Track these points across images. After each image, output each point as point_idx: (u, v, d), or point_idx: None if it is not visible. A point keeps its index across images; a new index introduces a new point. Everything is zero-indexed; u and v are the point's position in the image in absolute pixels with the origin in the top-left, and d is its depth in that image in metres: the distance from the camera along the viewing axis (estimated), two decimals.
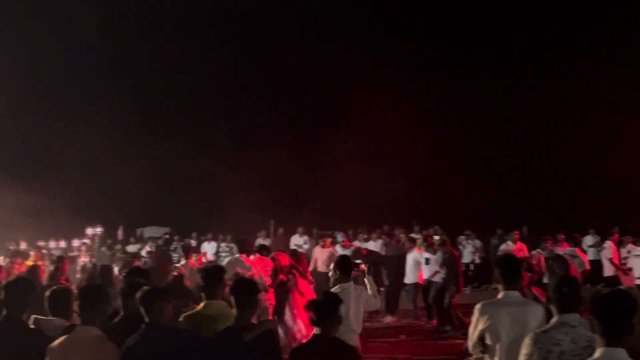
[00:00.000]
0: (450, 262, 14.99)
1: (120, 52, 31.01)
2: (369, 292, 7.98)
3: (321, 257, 17.26)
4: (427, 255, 15.79)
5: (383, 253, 18.32)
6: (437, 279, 15.08)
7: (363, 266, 8.60)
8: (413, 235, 21.53)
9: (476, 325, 5.80)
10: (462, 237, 22.56)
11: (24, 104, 28.91)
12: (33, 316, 6.14)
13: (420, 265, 15.95)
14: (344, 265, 7.75)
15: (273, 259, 12.94)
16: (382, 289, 17.76)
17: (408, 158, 27.72)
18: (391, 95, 26.22)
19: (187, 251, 12.74)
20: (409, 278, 16.24)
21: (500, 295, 5.83)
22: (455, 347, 12.85)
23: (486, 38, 28.92)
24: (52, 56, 29.26)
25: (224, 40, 30.85)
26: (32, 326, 6.00)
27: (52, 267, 10.29)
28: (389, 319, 16.48)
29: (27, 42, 28.27)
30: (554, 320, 4.97)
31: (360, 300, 7.61)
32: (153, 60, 31.25)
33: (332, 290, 7.42)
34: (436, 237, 18.44)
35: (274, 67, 31.06)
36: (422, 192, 27.44)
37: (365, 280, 8.23)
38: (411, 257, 16.24)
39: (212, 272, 6.56)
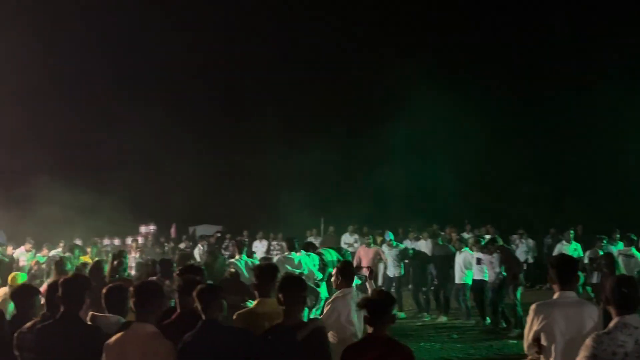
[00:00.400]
0: (507, 259, 14.86)
1: (172, 51, 31.31)
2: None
3: (366, 257, 17.27)
4: (478, 255, 15.65)
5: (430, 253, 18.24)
6: (493, 278, 14.95)
7: (365, 269, 8.58)
8: (465, 234, 21.45)
9: (531, 325, 5.73)
10: (515, 236, 22.30)
11: (78, 103, 29.38)
12: (90, 312, 6.23)
13: (470, 265, 15.84)
14: (346, 271, 7.75)
15: (320, 254, 13.13)
16: (432, 288, 17.80)
17: (461, 156, 27.50)
18: (444, 92, 26.05)
19: (241, 247, 12.82)
20: (459, 278, 16.15)
21: (555, 296, 5.76)
22: (509, 347, 12.76)
23: (544, 37, 28.56)
24: (103, 54, 29.74)
25: (273, 39, 30.95)
26: (89, 322, 6.09)
27: (115, 263, 10.36)
28: (442, 319, 16.47)
29: (79, 41, 28.73)
30: (615, 321, 4.86)
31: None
32: (203, 58, 31.50)
33: (335, 294, 7.43)
34: (487, 236, 18.35)
35: (324, 64, 31.10)
36: (475, 190, 27.22)
37: (367, 284, 8.23)
38: (461, 257, 16.14)
39: (265, 270, 6.58)
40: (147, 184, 28.86)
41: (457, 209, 25.07)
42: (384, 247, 18.46)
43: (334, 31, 30.51)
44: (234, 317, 6.31)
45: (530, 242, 22.37)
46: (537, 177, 27.30)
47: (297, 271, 11.98)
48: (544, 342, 5.63)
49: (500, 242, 15.99)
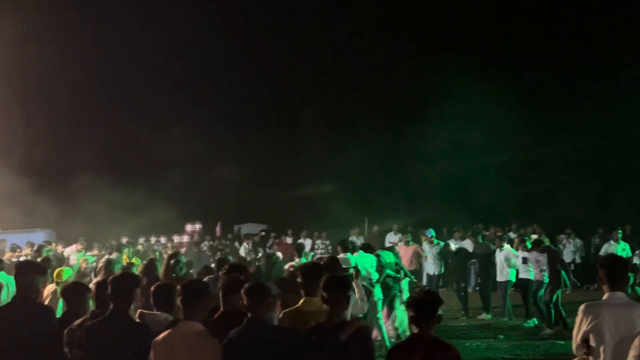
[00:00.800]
0: (554, 260, 14.77)
1: (217, 52, 31.54)
2: (357, 295, 7.89)
3: (405, 255, 17.28)
4: (524, 254, 15.58)
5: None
6: (540, 277, 14.89)
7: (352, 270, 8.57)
8: (511, 233, 21.29)
9: (580, 326, 5.67)
10: (562, 236, 22.06)
11: (125, 103, 29.73)
12: (139, 310, 6.31)
13: (510, 262, 15.81)
14: (330, 268, 7.71)
15: (378, 255, 13.21)
16: (477, 288, 17.74)
17: (507, 154, 27.25)
18: (488, 88, 25.82)
19: (300, 249, 12.85)
20: (500, 276, 16.13)
21: (605, 297, 5.69)
22: (556, 348, 12.62)
23: (591, 31, 28.12)
24: (152, 55, 30.07)
25: (315, 39, 30.95)
26: (137, 320, 6.17)
27: (172, 262, 10.43)
28: (484, 316, 16.45)
29: (128, 41, 29.06)
30: None
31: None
32: (247, 59, 31.68)
33: None
34: (534, 236, 18.24)
35: (365, 63, 31.06)
36: (522, 189, 26.93)
37: (354, 283, 8.19)
38: (502, 255, 16.12)
39: (311, 269, 6.60)
40: (194, 183, 29.13)
41: (503, 208, 24.87)
42: (425, 245, 18.49)
43: (375, 29, 30.48)
44: (281, 315, 6.34)
45: (578, 242, 22.14)
46: (585, 176, 26.92)
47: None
48: (592, 343, 5.56)
49: (547, 242, 15.90)
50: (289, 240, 25.35)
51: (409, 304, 5.32)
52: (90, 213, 24.01)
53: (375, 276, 12.79)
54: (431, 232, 18.51)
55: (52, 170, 27.04)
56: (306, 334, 5.55)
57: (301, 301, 6.38)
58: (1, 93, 23.43)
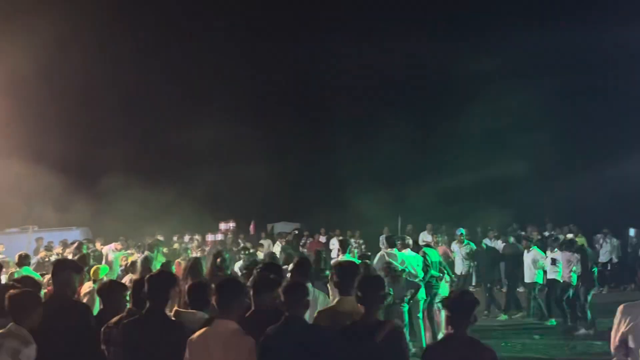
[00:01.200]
0: (583, 261, 14.69)
1: (250, 49, 31.62)
2: (330, 297, 7.84)
3: None
4: (554, 255, 15.45)
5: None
6: (568, 279, 14.80)
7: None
8: (546, 233, 21.12)
9: (618, 327, 5.61)
10: (599, 236, 21.81)
11: (159, 102, 29.90)
12: (175, 308, 6.35)
13: (537, 264, 15.72)
14: (302, 267, 7.71)
15: (425, 254, 13.23)
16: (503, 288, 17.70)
17: (541, 151, 26.97)
18: (521, 81, 25.58)
19: (345, 246, 12.88)
20: (528, 277, 16.07)
21: None
22: (592, 349, 12.50)
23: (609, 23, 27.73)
24: (182, 53, 30.24)
25: (344, 38, 30.88)
26: (173, 318, 6.20)
27: (218, 260, 10.44)
28: (501, 317, 16.41)
29: (158, 40, 29.25)
30: None
31: (317, 303, 7.48)
32: (279, 56, 31.73)
33: None
34: (569, 235, 18.11)
35: (396, 60, 30.92)
36: (558, 187, 26.66)
37: (329, 286, 8.17)
38: (529, 256, 16.04)
39: (346, 268, 6.58)
40: (227, 182, 29.24)
41: (539, 207, 24.65)
42: (454, 244, 18.45)
43: (406, 28, 30.34)
44: (315, 314, 6.34)
45: (615, 241, 21.86)
46: (620, 174, 26.58)
47: (400, 267, 12.11)
48: (631, 344, 5.50)
49: (583, 241, 15.78)
50: (322, 239, 25.36)
51: (445, 304, 5.30)
52: (124, 211, 24.18)
53: (420, 275, 12.83)
54: (461, 231, 18.46)
55: (87, 168, 27.30)
56: (340, 333, 5.56)
57: (336, 300, 6.38)
58: (37, 93, 23.71)
